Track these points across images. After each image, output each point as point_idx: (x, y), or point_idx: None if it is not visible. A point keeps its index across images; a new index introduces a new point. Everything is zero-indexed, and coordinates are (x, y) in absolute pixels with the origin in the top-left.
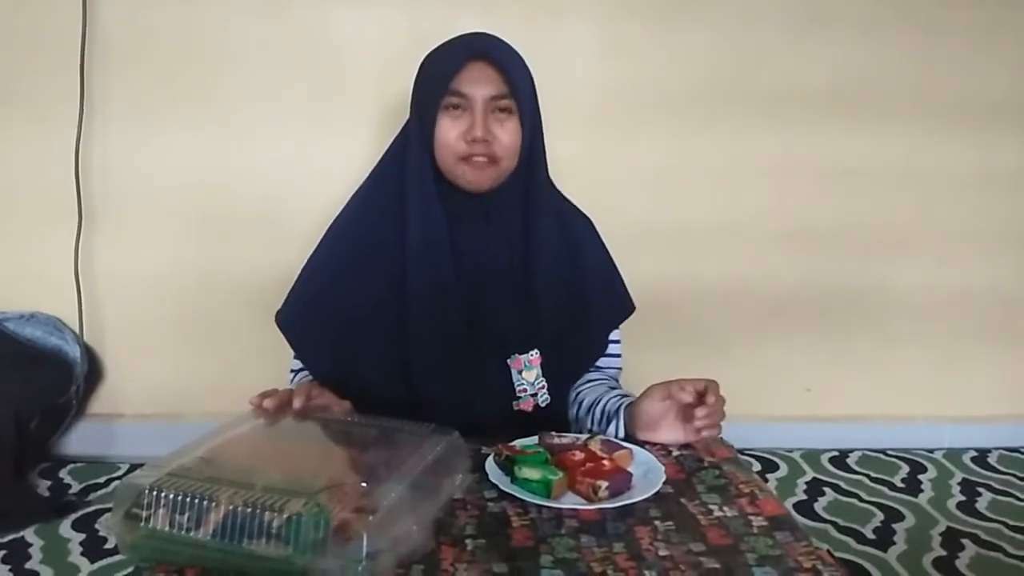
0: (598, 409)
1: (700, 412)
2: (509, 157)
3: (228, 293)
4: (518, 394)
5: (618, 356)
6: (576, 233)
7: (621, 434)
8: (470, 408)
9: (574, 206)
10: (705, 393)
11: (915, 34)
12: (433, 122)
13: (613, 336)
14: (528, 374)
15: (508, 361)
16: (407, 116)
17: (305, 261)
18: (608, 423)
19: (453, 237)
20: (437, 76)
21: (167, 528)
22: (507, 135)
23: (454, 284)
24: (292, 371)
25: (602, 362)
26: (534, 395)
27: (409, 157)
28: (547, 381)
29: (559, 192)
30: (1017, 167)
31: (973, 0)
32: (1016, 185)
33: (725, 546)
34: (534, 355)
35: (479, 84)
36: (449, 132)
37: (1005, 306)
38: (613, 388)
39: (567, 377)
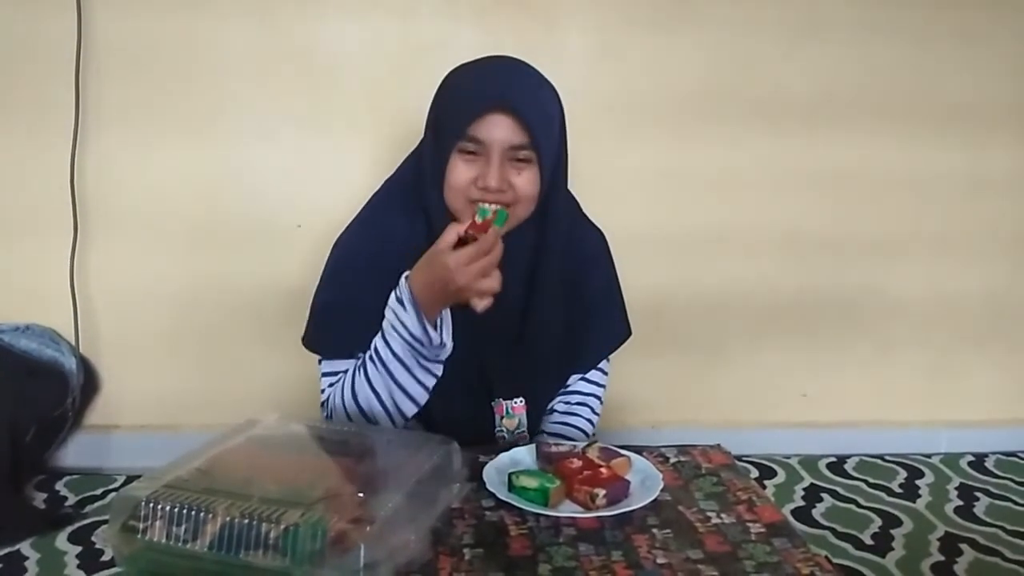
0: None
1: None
2: (524, 204)
3: (224, 304)
4: (496, 438)
5: (600, 385)
6: (584, 256)
7: None
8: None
9: (587, 221)
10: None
11: (905, 40)
12: (446, 162)
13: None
14: (509, 421)
15: (492, 403)
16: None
17: (320, 280)
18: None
19: None
20: (454, 117)
21: (164, 540)
22: (524, 184)
23: (466, 322)
24: (327, 378)
25: (582, 386)
26: (513, 444)
27: (427, 193)
28: (529, 432)
29: (576, 207)
30: (1009, 171)
31: (963, 6)
32: (1009, 189)
33: (723, 553)
34: (518, 403)
35: (497, 133)
36: (461, 175)
37: (1000, 310)
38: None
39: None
